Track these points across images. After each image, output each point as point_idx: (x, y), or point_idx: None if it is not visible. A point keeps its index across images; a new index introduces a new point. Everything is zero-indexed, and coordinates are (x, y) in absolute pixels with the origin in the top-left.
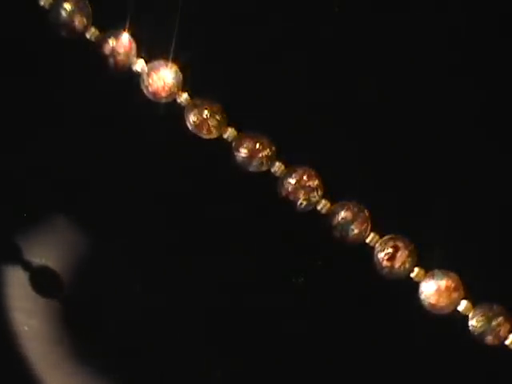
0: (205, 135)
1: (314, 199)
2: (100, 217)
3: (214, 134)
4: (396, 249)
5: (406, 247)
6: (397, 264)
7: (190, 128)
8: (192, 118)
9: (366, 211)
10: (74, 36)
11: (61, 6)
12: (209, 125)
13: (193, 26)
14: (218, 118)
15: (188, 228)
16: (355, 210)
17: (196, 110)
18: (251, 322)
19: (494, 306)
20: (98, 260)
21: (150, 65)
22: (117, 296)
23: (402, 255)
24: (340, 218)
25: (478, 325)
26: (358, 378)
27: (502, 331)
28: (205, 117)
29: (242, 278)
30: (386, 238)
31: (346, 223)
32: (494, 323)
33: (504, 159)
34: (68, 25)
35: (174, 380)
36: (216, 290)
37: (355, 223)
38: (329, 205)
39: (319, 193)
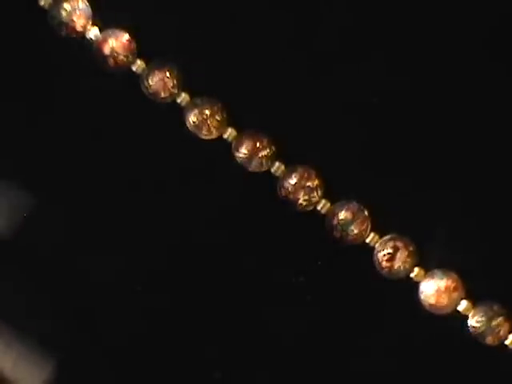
0: (204, 135)
1: (313, 199)
2: (99, 216)
3: (214, 135)
4: (395, 249)
5: (405, 247)
6: (396, 264)
7: (190, 128)
8: (192, 119)
9: (365, 211)
10: (73, 36)
11: (61, 6)
12: (208, 125)
13: (192, 26)
14: (217, 118)
15: (187, 228)
16: (355, 209)
17: (196, 110)
18: (251, 321)
19: (494, 306)
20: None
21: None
22: (116, 294)
23: (401, 256)
24: (340, 218)
25: (478, 325)
26: (358, 377)
27: (502, 331)
28: (204, 117)
29: (242, 278)
30: (385, 238)
31: (346, 223)
32: (493, 323)
33: (504, 158)
34: (68, 25)
35: (174, 380)
36: (215, 290)
37: (355, 223)
38: (329, 205)
39: (319, 193)
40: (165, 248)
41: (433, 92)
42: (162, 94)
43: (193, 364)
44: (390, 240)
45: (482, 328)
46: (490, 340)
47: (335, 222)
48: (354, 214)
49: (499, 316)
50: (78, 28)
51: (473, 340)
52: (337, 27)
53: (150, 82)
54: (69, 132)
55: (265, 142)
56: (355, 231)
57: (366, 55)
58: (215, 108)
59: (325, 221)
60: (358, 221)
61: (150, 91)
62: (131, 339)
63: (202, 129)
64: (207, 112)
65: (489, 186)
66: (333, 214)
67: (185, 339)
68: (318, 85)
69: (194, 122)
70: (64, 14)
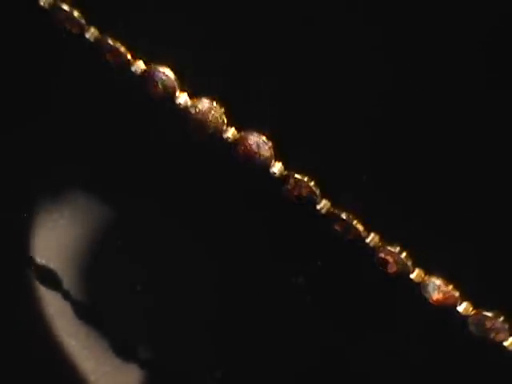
0: (205, 135)
1: (314, 199)
2: (101, 216)
3: (215, 135)
4: (395, 250)
5: (405, 248)
6: (396, 265)
7: (190, 128)
8: (192, 119)
9: (364, 211)
10: (73, 36)
11: (60, 6)
12: (209, 125)
13: (192, 26)
14: (218, 118)
15: (187, 228)
16: (354, 210)
17: (196, 111)
18: (251, 321)
19: (494, 308)
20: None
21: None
22: (116, 295)
23: (401, 256)
24: (340, 218)
25: (478, 326)
26: (358, 377)
27: (501, 333)
28: (205, 117)
29: (242, 278)
30: (385, 239)
31: (346, 223)
32: (493, 325)
33: (504, 159)
34: (68, 25)
35: (174, 379)
36: (215, 290)
37: (355, 223)
38: (329, 204)
39: (319, 193)
40: (164, 246)
41: (433, 94)
42: (162, 95)
43: (193, 364)
44: (389, 241)
45: (482, 329)
46: (488, 341)
47: (335, 221)
48: (352, 214)
49: (499, 318)
50: (78, 28)
51: (472, 341)
52: (335, 28)
53: (150, 83)
54: (68, 132)
55: (265, 142)
56: (355, 231)
57: (366, 56)
58: (215, 108)
59: (325, 221)
60: (358, 220)
61: (150, 92)
62: (131, 339)
63: (202, 129)
64: (208, 113)
65: (489, 186)
66: (333, 214)
67: (185, 339)
68: (318, 85)
69: (194, 123)
70: (63, 14)
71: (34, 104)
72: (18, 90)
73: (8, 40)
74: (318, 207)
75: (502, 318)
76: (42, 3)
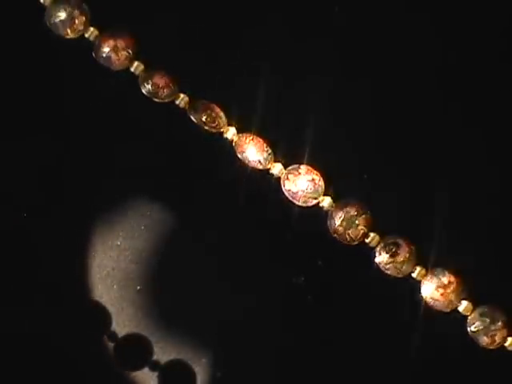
0: (206, 135)
1: (315, 198)
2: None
3: (215, 134)
4: (396, 249)
5: (406, 247)
6: (397, 264)
7: (191, 127)
8: (192, 120)
9: (366, 211)
10: (73, 36)
11: (60, 6)
12: (209, 125)
13: (193, 28)
14: (218, 118)
15: (187, 228)
16: (355, 209)
17: (195, 113)
18: (251, 321)
19: (494, 309)
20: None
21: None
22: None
23: (402, 255)
24: (340, 218)
25: (477, 327)
26: (358, 377)
27: (500, 335)
28: (205, 118)
29: (242, 278)
30: (386, 238)
31: (347, 223)
32: (492, 326)
33: (503, 158)
34: (67, 25)
35: (175, 379)
36: (215, 290)
37: (355, 223)
38: (330, 201)
39: (320, 190)
40: (164, 249)
41: (433, 94)
42: (161, 95)
43: (194, 363)
44: (390, 240)
45: (481, 330)
46: (487, 342)
47: (336, 221)
48: (354, 214)
49: (499, 319)
50: (78, 28)
51: (471, 341)
52: (335, 29)
53: (148, 83)
54: (68, 131)
55: (265, 143)
56: (355, 230)
57: (364, 56)
58: (216, 108)
59: (325, 220)
60: (358, 220)
61: (149, 92)
62: (132, 338)
63: (202, 129)
64: (207, 113)
65: (489, 186)
66: (333, 214)
67: (185, 339)
68: (317, 85)
69: (194, 123)
70: (63, 13)
71: (30, 102)
72: (17, 89)
73: (8, 40)
74: (321, 204)
75: (500, 321)
76: (41, 1)
